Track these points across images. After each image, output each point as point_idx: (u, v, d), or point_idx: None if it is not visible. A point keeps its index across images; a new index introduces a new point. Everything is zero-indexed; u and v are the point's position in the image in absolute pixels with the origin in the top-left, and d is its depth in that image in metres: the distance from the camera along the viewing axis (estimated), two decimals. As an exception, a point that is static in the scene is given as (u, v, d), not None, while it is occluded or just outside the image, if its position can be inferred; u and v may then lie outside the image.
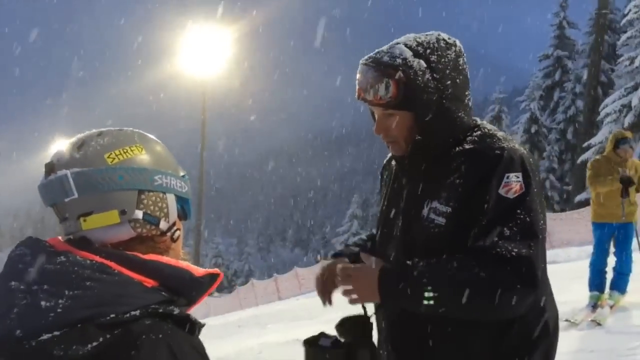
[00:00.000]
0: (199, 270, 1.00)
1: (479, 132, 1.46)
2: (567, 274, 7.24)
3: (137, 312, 0.86)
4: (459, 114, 1.44)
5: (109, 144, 0.99)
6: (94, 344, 0.81)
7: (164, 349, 0.85)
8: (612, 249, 5.85)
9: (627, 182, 5.40)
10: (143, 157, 1.01)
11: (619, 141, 5.64)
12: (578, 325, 5.27)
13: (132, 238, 0.99)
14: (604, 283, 5.78)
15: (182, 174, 1.08)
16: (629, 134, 5.81)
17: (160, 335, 0.86)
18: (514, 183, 1.35)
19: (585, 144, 22.21)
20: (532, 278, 1.30)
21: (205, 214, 21.51)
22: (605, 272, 5.78)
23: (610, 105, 22.24)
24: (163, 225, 1.02)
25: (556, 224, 17.57)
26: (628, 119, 21.27)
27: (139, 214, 0.98)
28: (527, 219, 1.34)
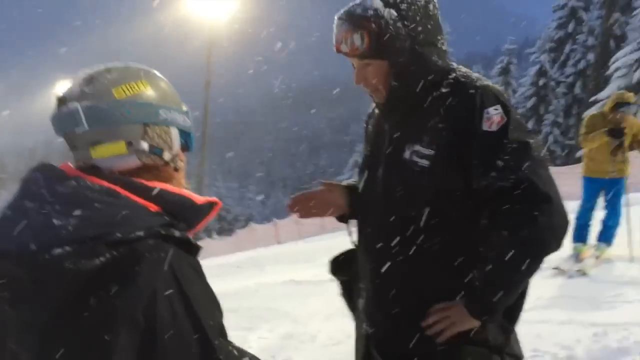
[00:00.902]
0: (199, 198, 1.09)
1: (453, 75, 1.53)
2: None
3: (142, 233, 0.94)
4: (433, 58, 1.50)
5: (117, 80, 1.06)
6: (101, 259, 0.90)
7: (164, 266, 0.94)
8: (602, 203, 5.99)
9: (616, 134, 5.46)
10: (148, 93, 1.08)
11: (618, 105, 5.56)
12: (566, 273, 5.46)
13: (138, 167, 1.07)
14: (587, 235, 5.94)
15: (185, 109, 1.16)
16: (631, 99, 5.67)
17: (162, 254, 0.95)
18: (494, 116, 1.43)
19: (592, 99, 21.86)
20: (539, 196, 1.41)
21: (207, 158, 21.59)
22: (590, 226, 5.93)
23: (621, 59, 21.78)
24: (167, 156, 1.10)
25: (556, 177, 17.58)
26: (638, 75, 20.93)
27: (144, 145, 1.06)
28: (515, 145, 1.43)
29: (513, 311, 1.55)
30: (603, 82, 23.56)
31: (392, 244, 1.56)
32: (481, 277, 1.47)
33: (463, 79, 1.51)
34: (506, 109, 1.45)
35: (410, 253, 1.52)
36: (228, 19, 18.95)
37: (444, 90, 1.51)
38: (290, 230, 24.49)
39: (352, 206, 1.74)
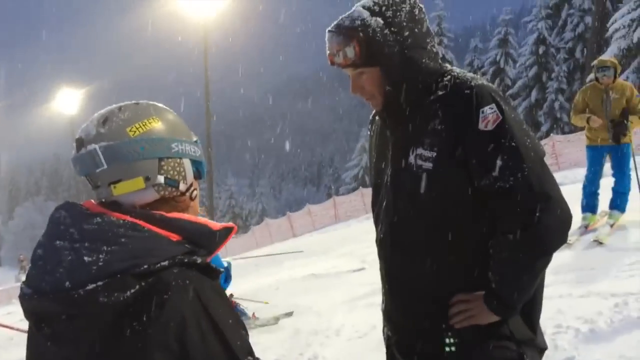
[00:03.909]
0: (216, 225, 1.15)
1: (448, 77, 1.55)
2: (573, 195, 7.37)
3: (166, 263, 1.00)
4: (423, 60, 1.54)
5: (129, 118, 1.12)
6: (132, 290, 0.97)
7: (190, 292, 1.00)
8: (610, 171, 6.00)
9: (618, 126, 5.68)
10: (160, 128, 1.14)
11: (598, 69, 5.82)
12: (572, 245, 5.46)
13: (156, 200, 1.14)
14: (596, 205, 5.96)
15: (194, 139, 1.22)
16: (609, 62, 5.93)
17: (187, 281, 1.01)
18: (490, 115, 1.46)
19: (594, 62, 21.63)
20: (539, 196, 1.44)
21: (214, 156, 21.67)
22: (598, 194, 5.94)
23: (619, 20, 21.55)
24: (182, 186, 1.17)
25: (564, 145, 17.53)
26: (637, 34, 20.68)
27: (160, 179, 1.12)
28: (513, 143, 1.44)
29: (533, 305, 1.59)
30: (604, 44, 23.30)
31: (403, 247, 1.61)
32: (495, 279, 1.52)
33: (458, 80, 1.53)
34: (500, 108, 1.48)
35: (421, 254, 1.57)
36: (222, 13, 18.91)
37: (440, 92, 1.54)
38: (305, 223, 24.62)
39: None
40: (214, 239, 1.14)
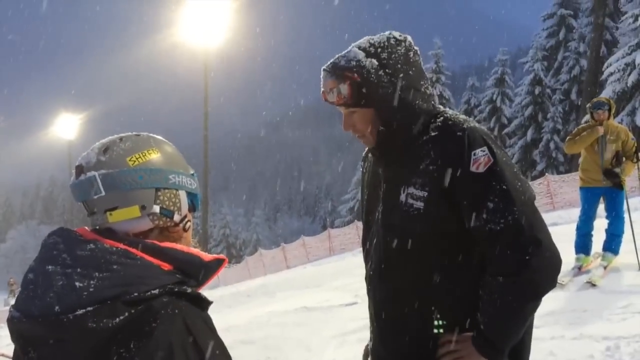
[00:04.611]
0: (207, 256, 1.16)
1: (441, 118, 1.58)
2: (566, 237, 7.39)
3: (157, 291, 1.01)
4: (417, 102, 1.56)
5: (130, 149, 1.15)
6: (121, 317, 0.97)
7: (179, 321, 1.01)
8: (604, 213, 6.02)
9: (611, 176, 5.76)
10: (159, 159, 1.17)
11: (594, 106, 5.94)
12: (564, 286, 5.45)
13: (150, 229, 1.16)
14: (589, 246, 5.98)
15: (191, 172, 1.25)
16: (604, 99, 6.05)
17: (177, 311, 1.02)
18: (481, 158, 1.48)
19: (589, 104, 21.95)
20: (529, 240, 1.45)
21: (210, 185, 21.67)
22: (591, 236, 5.96)
23: (614, 64, 21.98)
24: (176, 217, 1.19)
25: (559, 185, 17.61)
26: (632, 78, 21.05)
27: (156, 208, 1.15)
28: (504, 186, 1.46)
29: (522, 347, 1.60)
30: (598, 87, 23.70)
31: (392, 285, 1.61)
32: (484, 321, 1.52)
33: (450, 122, 1.56)
34: (492, 151, 1.49)
35: (409, 293, 1.58)
36: (222, 44, 19.16)
37: (433, 133, 1.56)
38: (298, 254, 24.48)
39: None
40: (205, 270, 1.15)
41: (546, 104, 30.11)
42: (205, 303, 1.11)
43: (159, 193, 1.15)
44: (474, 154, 1.48)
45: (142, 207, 1.13)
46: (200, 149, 18.60)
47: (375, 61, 1.53)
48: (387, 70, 1.53)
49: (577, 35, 29.12)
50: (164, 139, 1.24)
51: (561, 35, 30.19)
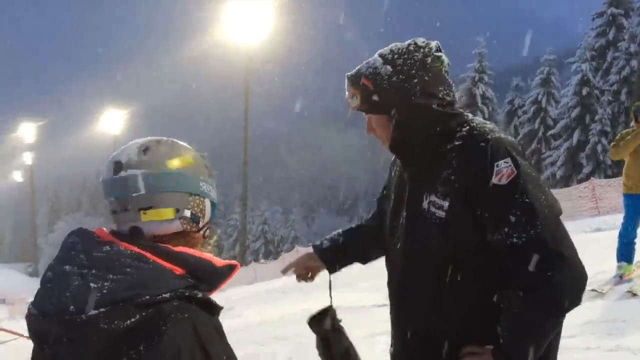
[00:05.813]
0: (219, 262, 1.18)
1: (467, 127, 1.55)
2: (610, 242, 7.16)
3: (168, 295, 1.04)
4: (432, 107, 1.53)
5: (168, 152, 1.19)
6: (132, 319, 1.00)
7: (189, 325, 1.03)
8: None
9: None
10: (192, 166, 1.21)
11: (638, 108, 5.67)
12: (604, 294, 5.28)
13: (174, 232, 1.19)
14: (632, 254, 5.76)
15: (215, 183, 1.28)
16: None
17: (186, 315, 1.04)
18: (504, 169, 1.44)
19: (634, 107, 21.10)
20: (552, 254, 1.40)
21: (250, 182, 21.91)
22: (634, 244, 5.74)
23: (667, 64, 21.11)
24: (201, 223, 1.23)
25: (605, 190, 17.04)
26: (686, 79, 20.16)
27: (187, 213, 1.19)
28: (527, 199, 1.42)
29: (547, 357, 1.54)
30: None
31: (412, 293, 1.61)
32: (504, 335, 1.47)
33: (476, 131, 1.53)
34: (516, 162, 1.45)
35: (429, 302, 1.56)
36: (262, 42, 19.35)
37: (457, 142, 1.54)
38: (334, 253, 24.39)
39: (330, 263, 1.98)
40: (217, 275, 1.17)
41: (594, 105, 29.10)
42: (216, 308, 1.13)
43: (190, 198, 1.19)
44: (497, 165, 1.45)
45: (177, 210, 1.17)
46: (239, 146, 18.87)
47: (389, 67, 1.53)
48: (400, 76, 1.53)
49: (627, 35, 28.03)
50: (193, 149, 1.28)
51: (611, 34, 29.13)
